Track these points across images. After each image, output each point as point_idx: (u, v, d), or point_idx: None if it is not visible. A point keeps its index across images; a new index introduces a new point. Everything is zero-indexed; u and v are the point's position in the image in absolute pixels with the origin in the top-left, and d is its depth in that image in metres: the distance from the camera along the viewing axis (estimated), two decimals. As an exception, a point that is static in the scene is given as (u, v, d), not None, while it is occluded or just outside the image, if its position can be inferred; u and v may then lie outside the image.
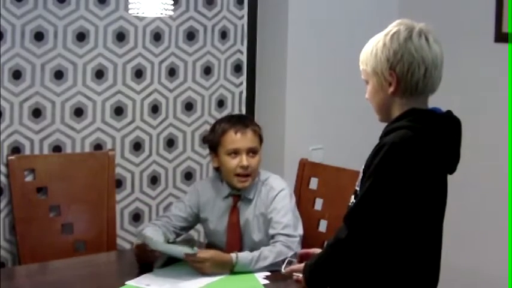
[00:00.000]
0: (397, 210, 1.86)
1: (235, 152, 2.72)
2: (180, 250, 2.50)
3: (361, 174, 1.96)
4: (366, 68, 1.97)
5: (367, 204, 1.86)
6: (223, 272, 2.49)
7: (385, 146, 1.85)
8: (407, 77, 1.90)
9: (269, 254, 2.54)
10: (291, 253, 2.51)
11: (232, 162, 2.72)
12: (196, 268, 2.48)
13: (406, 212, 1.87)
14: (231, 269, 2.50)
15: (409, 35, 1.91)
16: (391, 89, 1.92)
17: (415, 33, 1.91)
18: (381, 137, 1.93)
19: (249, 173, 2.72)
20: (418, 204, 1.88)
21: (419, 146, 1.85)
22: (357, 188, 1.96)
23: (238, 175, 2.72)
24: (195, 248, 2.50)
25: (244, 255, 2.53)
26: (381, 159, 1.84)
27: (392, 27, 1.95)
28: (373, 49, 1.94)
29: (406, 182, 1.85)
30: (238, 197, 2.78)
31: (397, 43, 1.90)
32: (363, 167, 1.95)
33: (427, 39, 1.92)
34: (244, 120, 2.81)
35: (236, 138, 2.72)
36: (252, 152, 2.74)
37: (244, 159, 2.71)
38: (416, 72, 1.90)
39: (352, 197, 1.98)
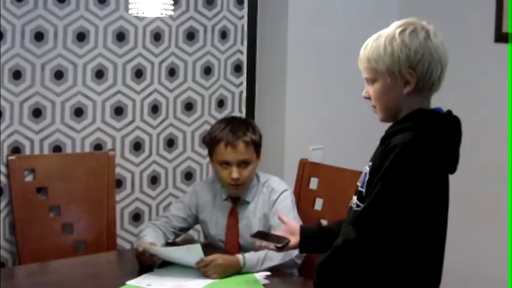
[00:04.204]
0: (408, 212, 1.84)
1: (226, 163, 2.69)
2: (183, 256, 2.49)
3: (364, 173, 1.93)
4: (377, 66, 1.89)
5: (379, 207, 1.83)
6: (231, 274, 2.45)
7: (396, 148, 1.82)
8: (426, 76, 1.88)
9: (274, 254, 2.48)
10: (295, 253, 2.50)
11: (223, 173, 2.69)
12: (205, 273, 2.44)
13: (416, 214, 1.85)
14: (239, 271, 2.47)
15: (427, 35, 1.88)
16: (408, 89, 1.88)
17: (432, 33, 1.89)
18: (385, 138, 1.91)
19: (240, 183, 2.70)
20: (428, 206, 1.86)
21: (429, 147, 1.83)
22: (360, 188, 1.93)
23: (229, 183, 2.70)
24: (198, 246, 2.46)
25: (251, 257, 2.50)
26: (392, 162, 1.82)
27: (406, 25, 1.89)
28: (386, 47, 1.88)
29: (417, 184, 1.82)
30: (237, 199, 2.78)
31: (418, 42, 1.86)
32: (368, 167, 1.92)
33: (441, 40, 1.90)
34: (238, 130, 2.69)
35: (226, 151, 2.67)
36: (244, 163, 2.69)
37: (235, 172, 2.67)
38: (434, 72, 1.88)
39: (355, 197, 1.95)
